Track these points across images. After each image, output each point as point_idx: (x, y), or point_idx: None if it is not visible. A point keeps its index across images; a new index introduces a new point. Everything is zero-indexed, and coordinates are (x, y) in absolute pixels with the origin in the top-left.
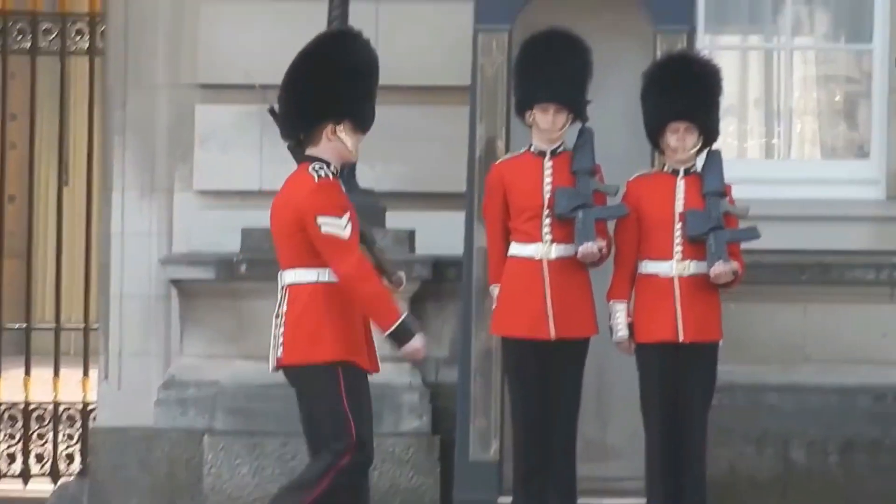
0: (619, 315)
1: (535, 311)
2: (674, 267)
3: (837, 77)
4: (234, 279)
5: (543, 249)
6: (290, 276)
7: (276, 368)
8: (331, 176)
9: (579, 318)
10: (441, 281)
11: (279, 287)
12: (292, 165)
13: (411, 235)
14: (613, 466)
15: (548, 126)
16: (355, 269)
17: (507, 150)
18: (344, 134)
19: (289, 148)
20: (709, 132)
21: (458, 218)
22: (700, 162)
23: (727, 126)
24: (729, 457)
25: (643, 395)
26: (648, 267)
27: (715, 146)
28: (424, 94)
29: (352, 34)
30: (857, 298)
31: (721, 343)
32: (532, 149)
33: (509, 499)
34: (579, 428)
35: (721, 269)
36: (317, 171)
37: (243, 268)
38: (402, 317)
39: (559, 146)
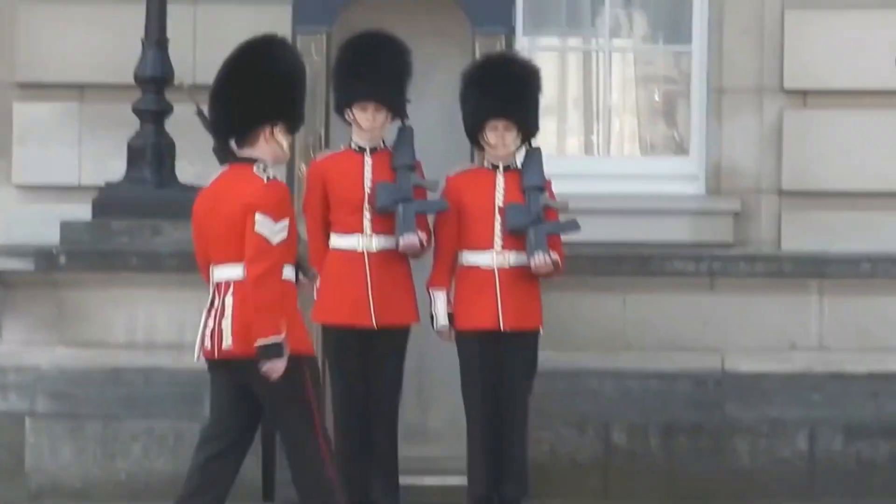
0: (440, 303)
1: (356, 299)
2: (494, 258)
3: (656, 77)
4: (54, 270)
5: (365, 241)
6: (235, 272)
7: (212, 357)
8: (276, 177)
9: (400, 306)
10: None
11: (212, 281)
12: (111, 161)
13: None
14: (434, 448)
15: (367, 124)
16: (266, 275)
17: (328, 147)
18: (280, 135)
19: (214, 149)
20: (528, 130)
21: None
22: (520, 159)
23: (547, 125)
24: (550, 440)
25: (464, 382)
26: (469, 258)
27: (535, 144)
28: None
29: (280, 40)
30: (678, 289)
31: (541, 331)
32: (352, 146)
33: None
34: (400, 413)
35: (541, 259)
36: (265, 172)
37: (63, 259)
38: (281, 337)
39: (379, 144)
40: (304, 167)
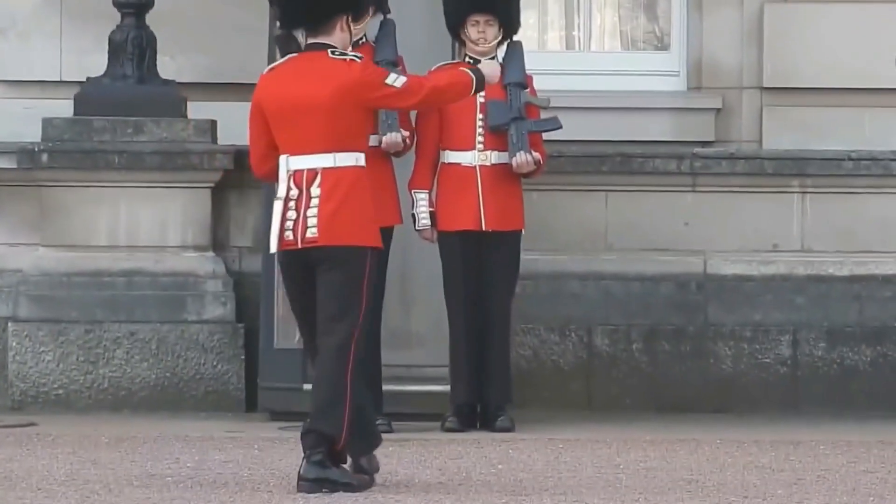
0: (422, 204)
1: None
2: (476, 157)
3: None
4: (36, 168)
5: None
6: (324, 160)
7: (295, 247)
8: None
9: (383, 207)
10: (243, 170)
11: (286, 171)
12: (92, 56)
13: (213, 125)
14: (417, 354)
15: None
16: (427, 81)
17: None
18: (351, 24)
19: (279, 37)
20: (509, 25)
21: None
22: (501, 54)
23: (527, 19)
24: (532, 344)
25: (446, 283)
26: (450, 157)
27: (516, 38)
28: None
29: None
30: (659, 188)
31: (523, 232)
32: None
33: None
34: (383, 318)
35: (523, 158)
36: (348, 55)
37: (45, 157)
38: (473, 73)
39: (361, 38)
40: None
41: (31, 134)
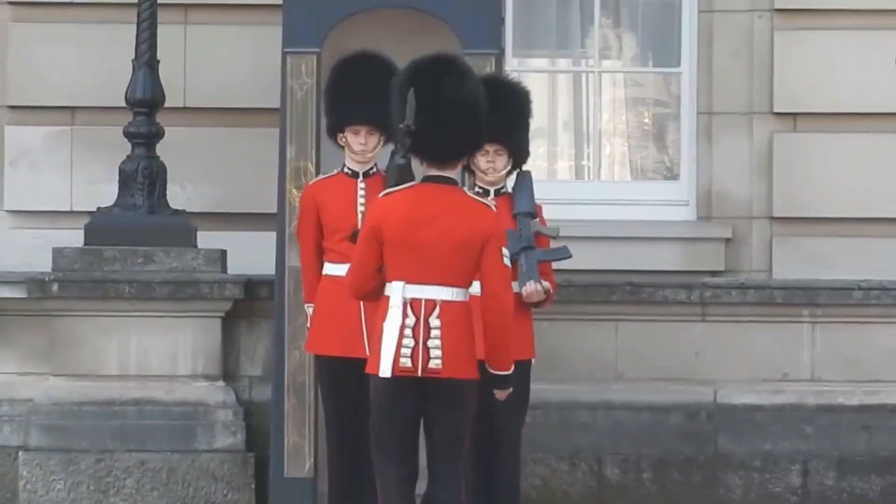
0: None
1: (349, 330)
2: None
3: (646, 100)
4: (46, 298)
5: None
6: (443, 293)
7: (414, 375)
8: None
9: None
10: (253, 300)
11: (403, 296)
12: (103, 185)
13: (223, 255)
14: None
15: (360, 148)
16: (511, 302)
17: (318, 171)
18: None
19: (401, 166)
20: (518, 154)
21: (269, 238)
22: (510, 183)
23: (537, 148)
24: (542, 473)
25: None
26: None
27: (525, 168)
28: (235, 115)
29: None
30: (669, 318)
31: (534, 361)
32: (345, 170)
33: None
34: None
35: (532, 288)
36: (483, 200)
37: (55, 287)
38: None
39: (371, 168)
40: (295, 192)
41: (42, 264)
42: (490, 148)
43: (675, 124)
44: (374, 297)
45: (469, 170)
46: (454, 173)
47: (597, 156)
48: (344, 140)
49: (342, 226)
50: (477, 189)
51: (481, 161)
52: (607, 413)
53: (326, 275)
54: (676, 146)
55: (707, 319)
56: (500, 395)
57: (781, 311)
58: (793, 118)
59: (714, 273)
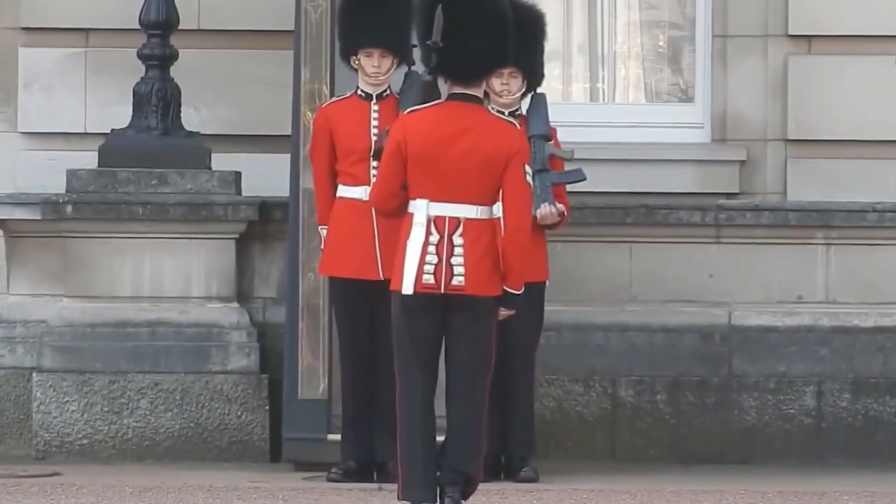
0: None
1: (363, 252)
2: (499, 209)
3: (661, 22)
4: (60, 220)
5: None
6: (468, 211)
7: (437, 292)
8: None
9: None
10: (267, 222)
11: (428, 214)
12: (117, 107)
13: (237, 177)
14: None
15: (373, 70)
16: (529, 223)
17: (332, 93)
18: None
19: (427, 83)
20: (533, 76)
21: (283, 160)
22: (525, 106)
23: (551, 71)
24: (556, 395)
25: None
26: None
27: (539, 90)
28: (249, 38)
29: None
30: (684, 240)
31: (547, 283)
32: (358, 92)
33: (338, 437)
34: None
35: (546, 210)
36: (507, 118)
37: (69, 209)
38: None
39: (385, 90)
40: (309, 114)
41: (56, 186)
42: (504, 70)
43: (689, 47)
44: (399, 214)
45: (483, 92)
46: (480, 91)
47: (611, 78)
48: (357, 63)
49: (355, 148)
50: (492, 110)
51: (496, 83)
52: (621, 335)
53: (340, 197)
54: (691, 69)
55: (721, 241)
56: (505, 313)
57: (796, 234)
58: (808, 41)
59: (729, 195)
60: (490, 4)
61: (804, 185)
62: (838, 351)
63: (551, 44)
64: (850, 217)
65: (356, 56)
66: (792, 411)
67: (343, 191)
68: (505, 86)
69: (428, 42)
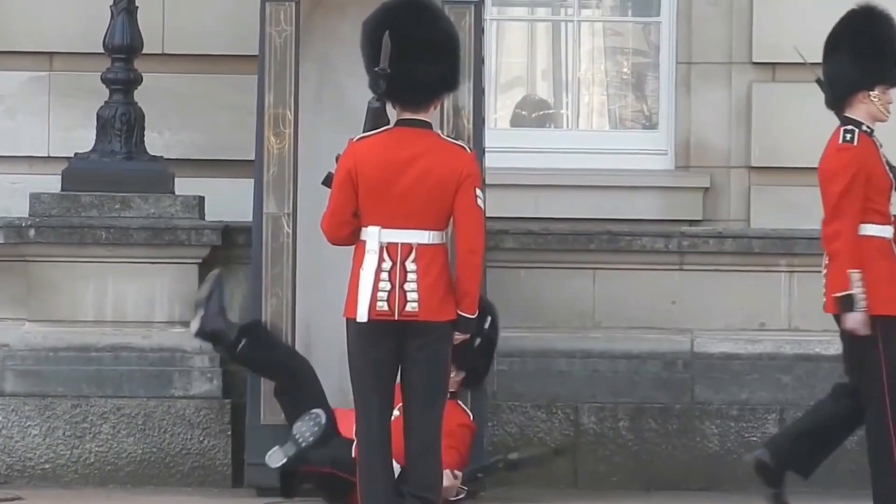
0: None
1: None
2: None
3: (625, 49)
4: (23, 243)
5: None
6: (420, 237)
7: (391, 319)
8: None
9: None
10: (231, 247)
11: (380, 241)
12: (80, 131)
13: (201, 202)
14: None
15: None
16: (482, 246)
17: (296, 119)
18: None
19: (377, 109)
20: None
21: (247, 185)
22: None
23: (515, 96)
24: (519, 422)
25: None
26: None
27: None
28: (213, 62)
29: None
30: (647, 267)
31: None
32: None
33: None
34: None
35: None
36: (458, 141)
37: (32, 233)
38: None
39: None
40: (273, 139)
41: (19, 209)
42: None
43: (654, 74)
44: (351, 241)
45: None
46: (428, 116)
47: (576, 105)
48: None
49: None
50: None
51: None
52: (584, 361)
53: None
54: (655, 96)
55: (685, 268)
56: (460, 337)
57: (759, 261)
58: (772, 68)
59: (692, 222)
60: (437, 29)
61: (767, 212)
62: (801, 378)
63: (516, 70)
64: (813, 245)
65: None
66: (754, 439)
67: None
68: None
69: (376, 69)
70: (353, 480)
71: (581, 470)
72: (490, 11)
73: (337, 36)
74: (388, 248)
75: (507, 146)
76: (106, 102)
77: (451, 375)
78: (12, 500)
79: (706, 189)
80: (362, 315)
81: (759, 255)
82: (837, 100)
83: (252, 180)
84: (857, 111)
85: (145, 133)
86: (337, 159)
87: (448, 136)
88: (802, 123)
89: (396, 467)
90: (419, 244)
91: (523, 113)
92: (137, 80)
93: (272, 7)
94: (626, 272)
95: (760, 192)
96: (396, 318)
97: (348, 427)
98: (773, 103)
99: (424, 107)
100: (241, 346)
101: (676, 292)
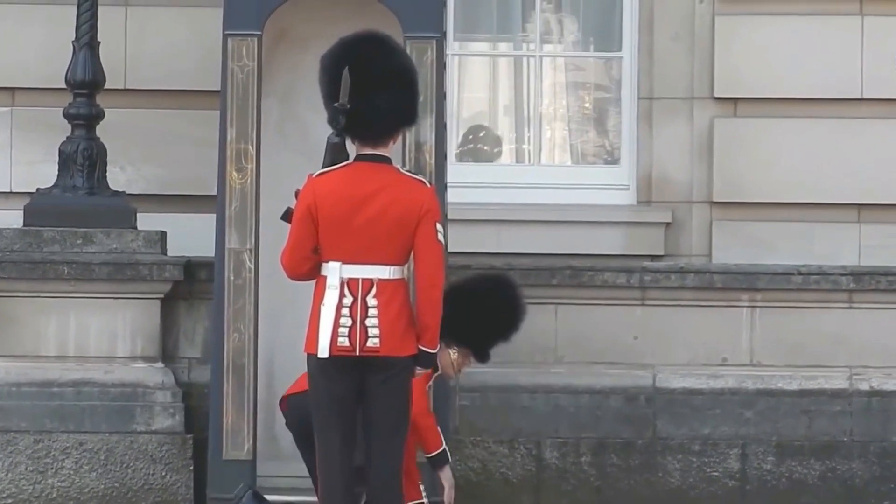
0: None
1: None
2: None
3: (587, 84)
4: None
5: None
6: (380, 272)
7: (352, 354)
8: None
9: None
10: (193, 282)
11: (340, 276)
12: (42, 167)
13: (163, 237)
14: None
15: None
16: (443, 281)
17: (258, 154)
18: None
19: (336, 145)
20: None
21: (209, 220)
22: None
23: (477, 131)
24: (481, 457)
25: None
26: None
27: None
28: (175, 97)
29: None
30: (609, 302)
31: None
32: None
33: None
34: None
35: None
36: (417, 176)
37: None
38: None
39: None
40: (235, 174)
41: None
42: None
43: (615, 109)
44: (311, 277)
45: None
46: (388, 151)
47: (537, 140)
48: None
49: None
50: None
51: None
52: (546, 396)
53: None
54: (617, 130)
55: (647, 303)
56: (421, 372)
57: (721, 296)
58: (733, 103)
59: (654, 257)
60: (396, 64)
61: (729, 247)
62: (763, 413)
63: (478, 105)
64: (775, 280)
65: None
66: (716, 474)
67: None
68: None
69: (335, 104)
70: None
71: None
72: (452, 46)
73: (300, 70)
74: (350, 284)
75: (469, 181)
76: (68, 137)
77: (452, 356)
78: None
79: (668, 224)
80: (324, 351)
81: (720, 290)
82: None
83: (214, 215)
84: None
85: (107, 168)
86: (296, 194)
87: (409, 170)
88: (764, 158)
89: None
90: (380, 279)
91: (485, 148)
92: (100, 115)
93: (234, 42)
94: (589, 307)
95: (722, 227)
96: (358, 353)
97: None
98: (735, 138)
99: (383, 141)
100: None
101: (638, 327)
